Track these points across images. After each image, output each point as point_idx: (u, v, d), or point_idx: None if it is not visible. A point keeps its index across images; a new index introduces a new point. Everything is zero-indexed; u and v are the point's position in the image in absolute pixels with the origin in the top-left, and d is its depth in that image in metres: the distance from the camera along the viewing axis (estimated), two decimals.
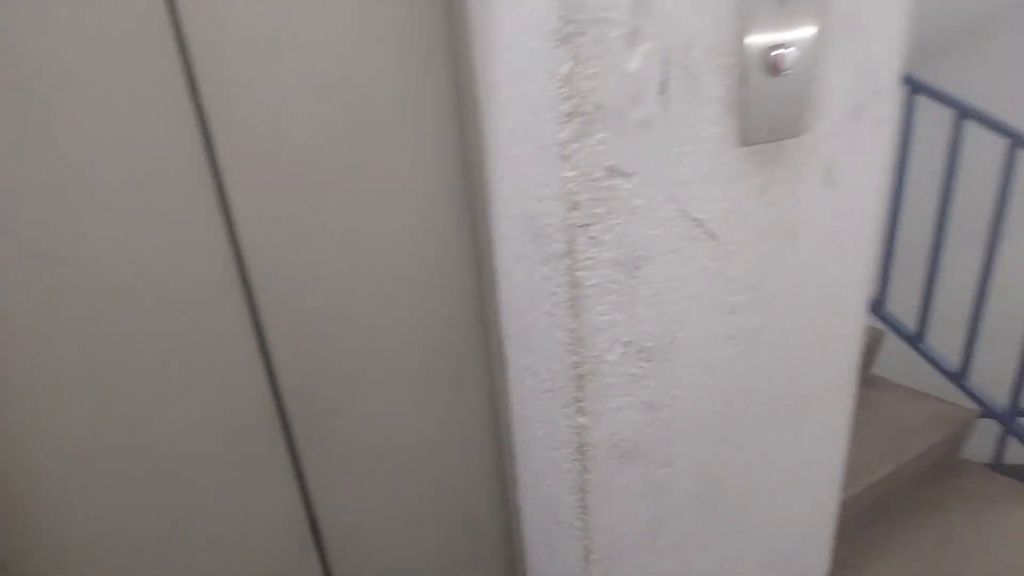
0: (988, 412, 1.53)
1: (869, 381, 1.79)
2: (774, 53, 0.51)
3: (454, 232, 0.61)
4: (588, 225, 0.45)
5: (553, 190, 0.44)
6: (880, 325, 1.74)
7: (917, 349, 1.63)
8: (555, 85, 0.41)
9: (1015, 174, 1.35)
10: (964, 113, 1.39)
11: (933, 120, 1.54)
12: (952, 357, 1.59)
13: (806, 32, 0.52)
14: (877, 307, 1.70)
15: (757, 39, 0.50)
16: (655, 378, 0.55)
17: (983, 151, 1.47)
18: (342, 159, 0.53)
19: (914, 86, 1.47)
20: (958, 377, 1.57)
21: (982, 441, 1.94)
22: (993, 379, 1.61)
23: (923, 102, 1.47)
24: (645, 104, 0.44)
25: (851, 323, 0.72)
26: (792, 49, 0.51)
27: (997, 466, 1.65)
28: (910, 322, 1.66)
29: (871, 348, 1.80)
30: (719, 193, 0.52)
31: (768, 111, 0.53)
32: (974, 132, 1.39)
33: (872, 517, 1.38)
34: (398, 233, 0.58)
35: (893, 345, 1.75)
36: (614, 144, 0.44)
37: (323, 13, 0.48)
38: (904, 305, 1.69)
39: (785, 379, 0.67)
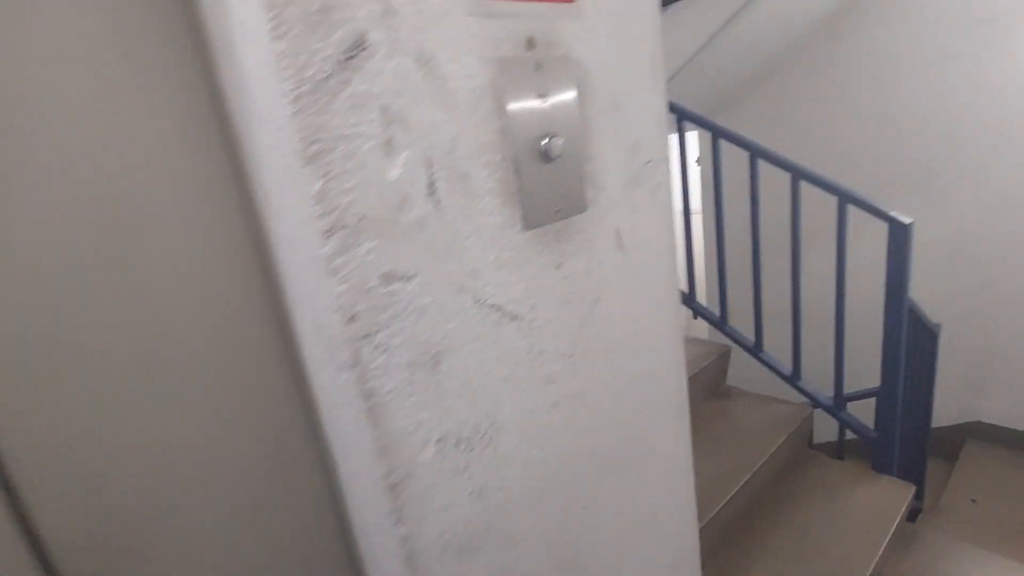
0: (819, 404, 1.74)
1: (723, 393, 1.96)
2: (543, 143, 0.55)
3: (260, 337, 0.57)
4: (371, 335, 0.43)
5: (328, 303, 0.42)
6: (727, 341, 1.93)
7: (758, 358, 1.82)
8: (310, 202, 0.40)
9: (800, 200, 1.59)
10: (756, 153, 1.62)
11: (735, 159, 1.78)
12: (786, 361, 1.80)
13: (570, 120, 0.57)
14: (721, 325, 1.88)
15: (523, 133, 0.53)
16: (480, 465, 0.54)
17: (776, 182, 1.72)
18: (118, 275, 0.47)
19: (715, 132, 1.69)
20: (792, 379, 1.78)
21: (826, 429, 2.19)
22: (823, 375, 1.84)
23: (724, 145, 1.69)
24: (415, 207, 0.45)
25: (670, 363, 0.78)
26: (559, 138, 0.55)
27: (840, 450, 1.87)
28: (749, 334, 1.85)
29: (722, 363, 1.99)
30: (513, 276, 0.54)
31: (548, 194, 0.56)
32: (767, 167, 1.62)
33: (744, 521, 1.49)
34: (191, 342, 0.53)
35: (739, 357, 1.94)
36: (386, 251, 0.43)
37: (77, 119, 0.43)
38: (743, 320, 1.89)
39: (616, 431, 0.70)
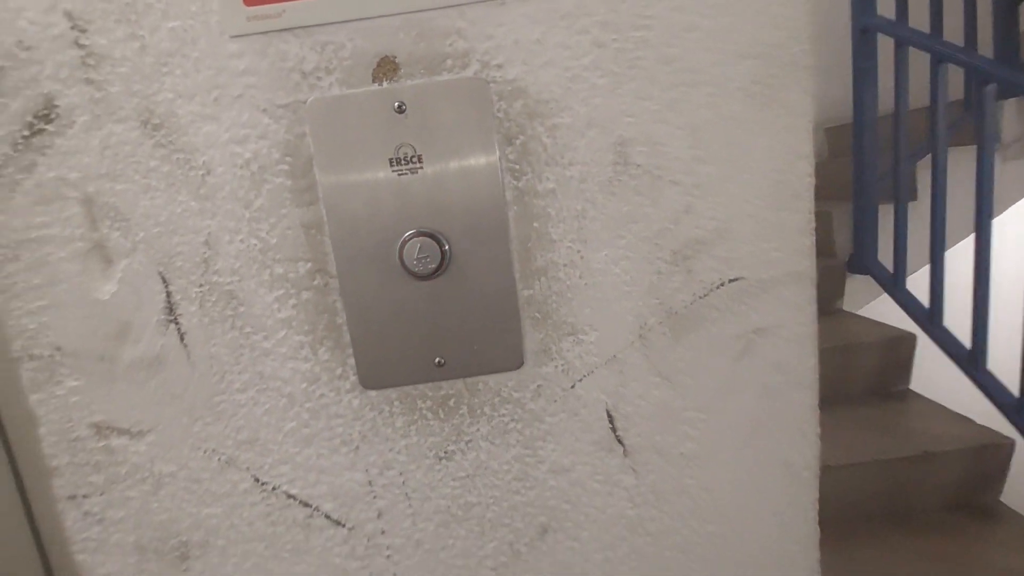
0: None
1: (899, 396, 1.45)
2: (407, 246, 0.25)
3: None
4: (81, 497, 0.30)
5: (30, 449, 0.30)
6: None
7: (975, 379, 1.22)
8: None
9: None
10: None
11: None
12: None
13: (481, 204, 0.25)
14: (930, 325, 1.28)
15: (362, 228, 0.24)
16: None
17: None
18: None
19: None
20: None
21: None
22: None
23: None
24: (142, 339, 0.28)
25: None
26: (440, 238, 0.25)
27: None
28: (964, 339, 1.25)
29: (901, 353, 1.44)
30: (334, 459, 0.30)
31: (418, 333, 0.28)
32: None
33: None
34: None
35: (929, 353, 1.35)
36: (97, 395, 0.29)
37: None
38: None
39: None
